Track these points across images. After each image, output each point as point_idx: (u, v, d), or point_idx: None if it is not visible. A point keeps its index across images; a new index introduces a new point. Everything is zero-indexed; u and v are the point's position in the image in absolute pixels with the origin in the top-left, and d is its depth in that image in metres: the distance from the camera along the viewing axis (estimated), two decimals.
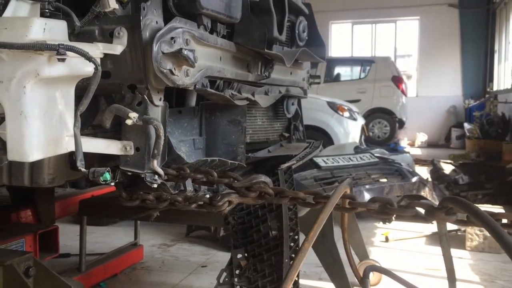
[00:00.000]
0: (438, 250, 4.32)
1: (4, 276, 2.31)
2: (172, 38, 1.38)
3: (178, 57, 1.37)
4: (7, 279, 2.31)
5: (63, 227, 3.36)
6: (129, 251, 3.58)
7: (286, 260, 1.90)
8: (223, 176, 1.43)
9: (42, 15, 1.37)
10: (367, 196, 4.96)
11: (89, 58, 1.23)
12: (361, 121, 9.12)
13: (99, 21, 1.40)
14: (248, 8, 1.74)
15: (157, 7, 1.44)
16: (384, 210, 1.35)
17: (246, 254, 1.94)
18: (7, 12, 1.30)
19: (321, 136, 8.60)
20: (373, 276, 3.50)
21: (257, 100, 2.06)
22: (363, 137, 9.31)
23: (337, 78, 12.86)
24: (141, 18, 1.37)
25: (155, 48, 1.35)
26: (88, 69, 1.30)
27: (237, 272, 1.90)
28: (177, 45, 1.39)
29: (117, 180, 1.43)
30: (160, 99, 1.47)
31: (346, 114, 8.77)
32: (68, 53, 1.20)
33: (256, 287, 1.91)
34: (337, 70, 13.04)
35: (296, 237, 1.98)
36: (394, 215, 4.72)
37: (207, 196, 1.45)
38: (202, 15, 1.54)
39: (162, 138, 1.41)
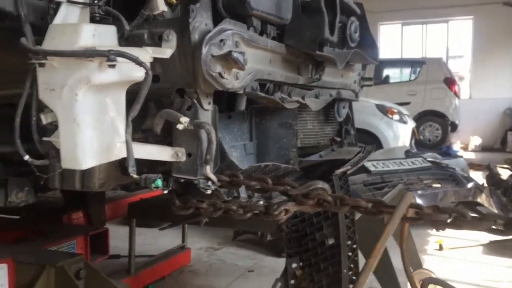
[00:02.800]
0: (496, 260, 4.12)
1: (55, 277, 2.35)
2: (221, 40, 1.34)
3: (227, 59, 1.33)
4: (59, 280, 2.34)
5: (114, 229, 3.41)
6: (177, 254, 3.59)
7: (345, 271, 1.82)
8: (278, 183, 1.37)
9: (92, 19, 1.36)
10: (419, 202, 4.80)
11: (139, 63, 1.21)
12: (411, 124, 8.86)
13: (148, 24, 1.38)
14: (299, 9, 1.69)
15: (206, 9, 1.41)
16: (456, 223, 1.24)
17: (301, 264, 1.87)
18: (58, 18, 1.30)
19: (370, 140, 8.41)
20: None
21: (307, 104, 1.99)
22: (413, 140, 9.05)
23: (386, 80, 12.57)
24: (190, 20, 1.34)
25: (204, 50, 1.31)
26: (138, 74, 1.28)
27: (292, 282, 1.84)
28: (226, 47, 1.35)
29: (169, 188, 1.40)
30: (209, 103, 1.44)
31: (396, 117, 8.53)
32: (118, 58, 1.18)
33: None
34: (386, 72, 12.75)
35: (354, 246, 1.89)
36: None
37: (262, 204, 1.39)
38: (252, 16, 1.49)
39: (214, 142, 1.37)
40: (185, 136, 1.41)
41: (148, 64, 1.32)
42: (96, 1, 1.35)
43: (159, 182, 1.31)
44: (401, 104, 10.08)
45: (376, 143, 8.41)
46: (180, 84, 1.40)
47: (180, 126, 1.36)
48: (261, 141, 1.78)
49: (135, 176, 1.27)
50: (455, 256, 4.34)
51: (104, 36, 1.29)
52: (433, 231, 5.04)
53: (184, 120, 1.36)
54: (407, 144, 8.57)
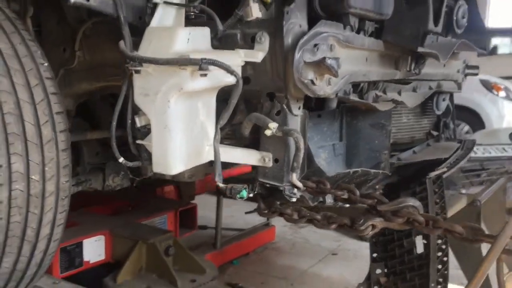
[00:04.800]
0: None
1: (147, 253, 2.49)
2: (315, 45, 1.28)
3: (320, 66, 1.27)
4: (150, 256, 2.48)
5: (201, 198, 3.52)
6: (262, 230, 3.65)
7: (433, 285, 1.73)
8: (367, 197, 1.31)
9: (187, 17, 1.36)
10: None
11: (231, 72, 1.19)
12: None
13: (241, 25, 1.35)
14: (402, 0, 1.56)
15: (301, 9, 1.35)
16: None
17: (386, 270, 1.81)
18: (154, 21, 1.31)
19: (471, 118, 7.88)
20: None
21: (403, 101, 1.87)
22: None
23: (493, 51, 11.61)
24: (283, 23, 1.28)
25: (297, 56, 1.26)
26: (229, 79, 1.26)
27: None
28: (320, 53, 1.28)
29: (255, 192, 1.40)
30: (299, 108, 1.40)
31: (502, 93, 7.90)
32: (210, 66, 1.17)
33: None
34: (494, 41, 11.76)
35: (445, 258, 1.79)
36: None
37: (348, 217, 1.35)
38: (349, 14, 1.41)
39: (302, 150, 1.34)
40: (273, 142, 1.38)
41: (240, 70, 1.30)
42: (191, 1, 1.34)
43: (244, 193, 1.30)
44: (510, 78, 9.30)
45: (478, 121, 7.89)
46: (270, 88, 1.37)
47: (268, 132, 1.34)
48: (351, 141, 1.71)
49: (221, 185, 1.27)
50: None
51: (198, 39, 1.29)
52: None
53: (273, 126, 1.33)
54: None
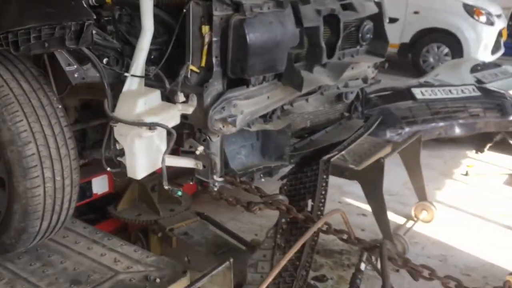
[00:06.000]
0: None
1: (139, 189, 3.45)
2: (222, 107, 2.09)
3: (225, 121, 2.09)
4: (140, 191, 3.44)
5: None
6: None
7: None
8: (257, 190, 2.24)
9: (148, 78, 2.15)
10: (458, 131, 5.25)
11: (169, 131, 2.02)
12: (500, 25, 8.59)
13: (182, 85, 2.14)
14: (292, 60, 2.31)
15: (218, 78, 2.13)
16: None
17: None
18: (125, 87, 2.11)
19: (451, 40, 8.41)
20: (427, 214, 4.09)
21: (312, 105, 2.68)
22: (502, 41, 8.80)
23: None
24: (204, 93, 2.09)
25: (210, 114, 2.09)
26: (173, 124, 2.10)
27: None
28: (226, 111, 2.11)
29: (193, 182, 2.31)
30: (218, 136, 2.24)
31: (483, 18, 8.32)
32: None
33: None
34: None
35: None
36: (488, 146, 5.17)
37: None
38: (250, 78, 2.19)
39: (218, 162, 2.21)
40: (201, 156, 2.26)
41: (179, 116, 2.13)
42: (150, 72, 2.12)
43: (180, 193, 2.20)
44: None
45: (458, 44, 8.43)
46: (199, 125, 2.21)
47: (197, 152, 2.21)
48: (264, 141, 2.57)
49: (166, 187, 2.16)
50: (478, 184, 4.77)
51: (153, 100, 2.10)
52: (472, 153, 5.50)
53: (201, 148, 2.20)
54: (490, 47, 8.45)
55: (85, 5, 1.90)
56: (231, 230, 3.30)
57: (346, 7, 2.65)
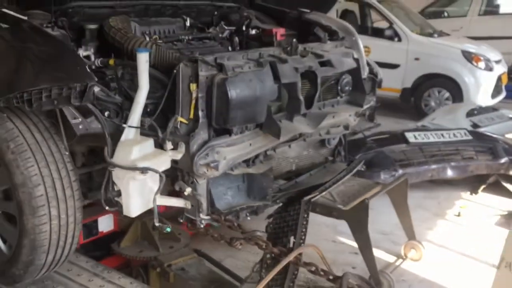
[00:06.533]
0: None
1: (141, 227, 3.73)
2: (206, 154, 2.40)
3: (209, 165, 2.39)
4: (142, 229, 3.72)
5: None
6: None
7: None
8: (239, 227, 2.50)
9: (143, 128, 2.47)
10: (450, 173, 5.45)
11: (160, 175, 2.32)
12: (500, 70, 8.85)
13: (172, 134, 2.46)
14: (271, 111, 2.62)
15: (203, 128, 2.45)
16: None
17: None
18: (123, 137, 2.43)
19: (451, 85, 8.70)
20: (415, 253, 4.26)
21: (294, 151, 2.97)
22: (503, 86, 9.04)
23: (495, 10, 11.92)
24: (190, 141, 2.40)
25: (195, 159, 2.39)
26: (163, 168, 2.41)
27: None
28: (210, 157, 2.41)
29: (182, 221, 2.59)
30: (204, 178, 2.53)
31: (481, 64, 8.60)
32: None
33: None
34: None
35: None
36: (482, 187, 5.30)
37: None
38: (233, 127, 2.50)
39: (204, 203, 2.50)
40: (189, 196, 2.55)
41: (170, 161, 2.43)
42: (145, 123, 2.45)
43: (168, 229, 2.48)
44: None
45: (458, 89, 8.70)
46: (187, 169, 2.51)
47: (185, 193, 2.50)
48: (249, 182, 2.85)
49: (157, 224, 2.44)
50: (470, 224, 4.83)
51: (146, 148, 2.42)
52: (467, 195, 5.65)
53: (188, 190, 2.50)
54: (490, 91, 8.69)
55: (88, 70, 2.26)
56: (225, 267, 3.54)
57: (324, 63, 2.97)
